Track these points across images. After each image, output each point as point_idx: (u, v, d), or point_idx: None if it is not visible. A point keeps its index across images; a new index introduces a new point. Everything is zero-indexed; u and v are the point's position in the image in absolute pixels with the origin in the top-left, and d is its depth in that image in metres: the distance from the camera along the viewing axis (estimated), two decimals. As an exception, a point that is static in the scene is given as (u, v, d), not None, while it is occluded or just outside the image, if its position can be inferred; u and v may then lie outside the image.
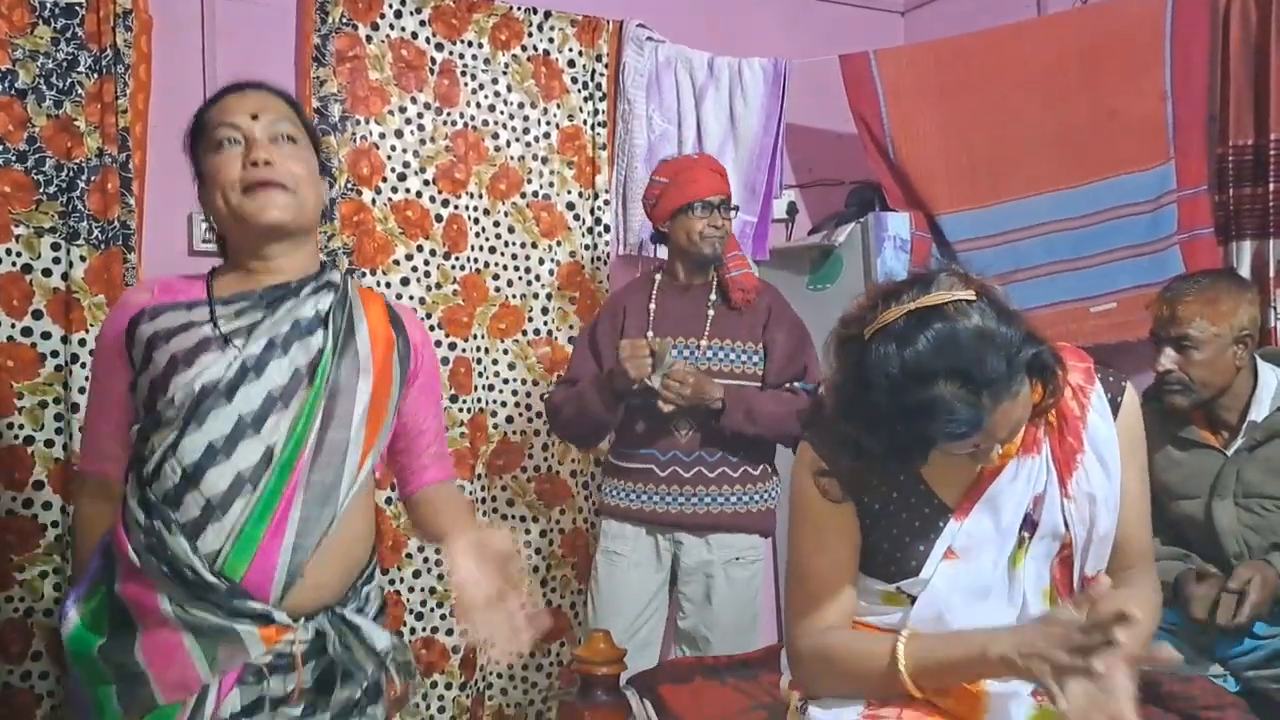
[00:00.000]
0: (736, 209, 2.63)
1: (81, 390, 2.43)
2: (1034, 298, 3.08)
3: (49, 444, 2.44)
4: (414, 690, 2.31)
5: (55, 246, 2.45)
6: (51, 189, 2.44)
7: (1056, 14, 3.17)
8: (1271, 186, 2.75)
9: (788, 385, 2.49)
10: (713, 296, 2.52)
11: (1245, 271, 2.79)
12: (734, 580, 2.49)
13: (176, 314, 1.46)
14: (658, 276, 2.61)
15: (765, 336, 2.51)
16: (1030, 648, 1.21)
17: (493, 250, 3.02)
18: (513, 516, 3.07)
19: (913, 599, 1.42)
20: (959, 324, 1.24)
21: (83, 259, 2.45)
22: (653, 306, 2.54)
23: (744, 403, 2.40)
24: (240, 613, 1.40)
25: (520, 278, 3.06)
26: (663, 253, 2.80)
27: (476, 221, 2.99)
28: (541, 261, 3.08)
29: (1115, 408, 1.43)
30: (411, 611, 2.86)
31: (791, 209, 3.52)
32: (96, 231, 2.46)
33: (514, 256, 3.06)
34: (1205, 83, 2.90)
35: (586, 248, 3.14)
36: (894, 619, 1.43)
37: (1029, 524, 1.39)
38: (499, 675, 3.05)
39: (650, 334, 2.48)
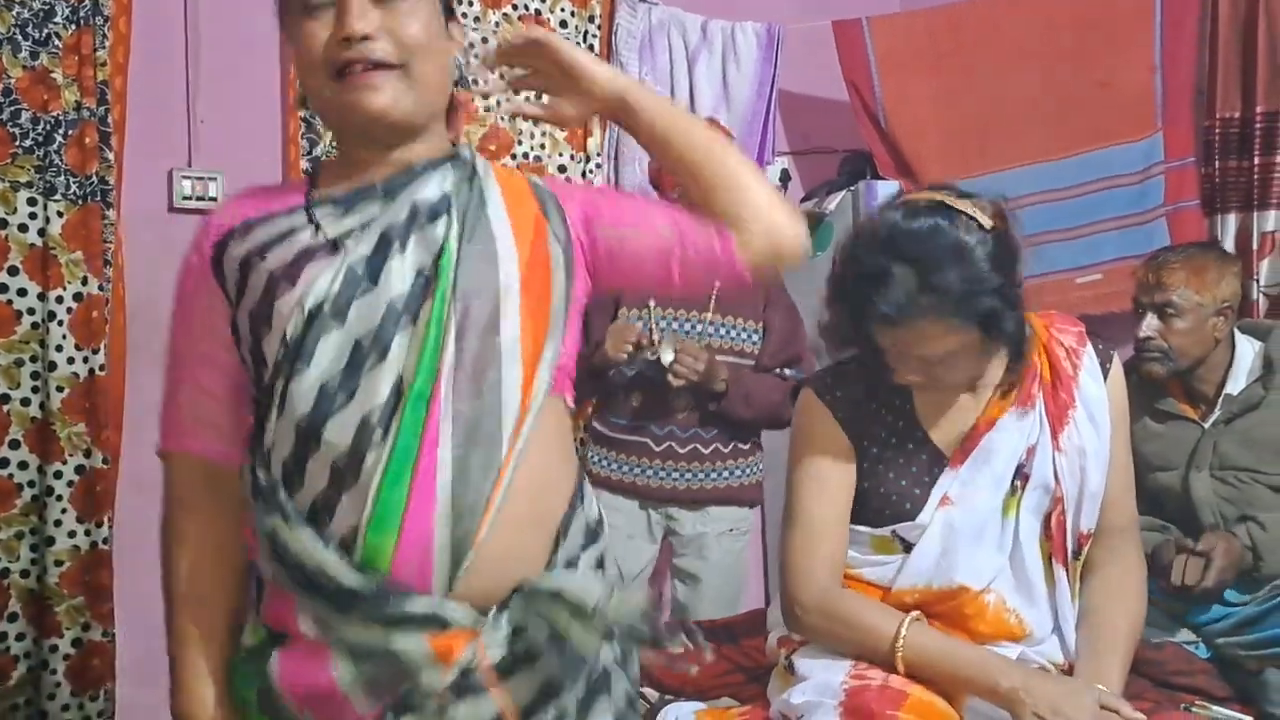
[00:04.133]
0: None
1: (59, 348, 2.41)
2: None
3: (25, 402, 2.42)
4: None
5: (32, 201, 2.41)
6: (28, 142, 2.40)
7: (1049, -17, 3.15)
8: (1257, 160, 2.77)
9: (778, 371, 2.48)
10: None
11: (1230, 244, 2.81)
12: (726, 551, 2.50)
13: (274, 224, 1.11)
14: None
15: (765, 315, 2.49)
16: (1053, 706, 1.29)
17: (480, 213, 2.99)
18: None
19: (905, 545, 1.46)
20: (956, 231, 1.31)
21: (60, 214, 2.41)
22: None
23: (743, 387, 2.39)
24: (398, 620, 1.01)
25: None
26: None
27: (464, 183, 2.96)
28: (527, 225, 3.05)
29: (1105, 373, 1.48)
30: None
31: (784, 176, 3.50)
32: (74, 186, 2.43)
33: (501, 219, 3.03)
34: (1194, 55, 2.91)
35: (574, 211, 3.12)
36: (887, 570, 1.47)
37: (1021, 475, 1.44)
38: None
39: (652, 303, 2.43)
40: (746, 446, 2.50)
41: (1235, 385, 2.09)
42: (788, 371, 2.49)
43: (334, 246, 1.07)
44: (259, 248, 1.10)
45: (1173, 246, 2.39)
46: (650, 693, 1.63)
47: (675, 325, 2.42)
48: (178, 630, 1.13)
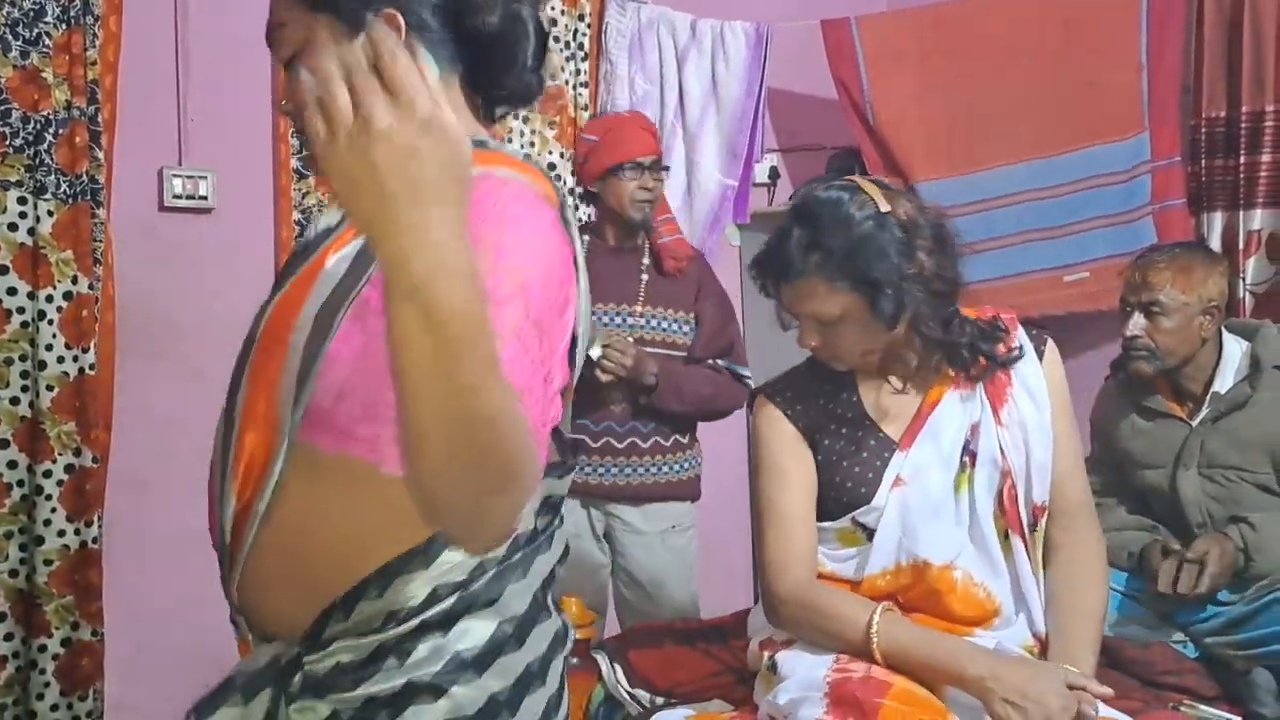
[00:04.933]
0: (667, 169, 2.56)
1: (49, 347, 2.40)
2: (1008, 266, 3.11)
3: (14, 401, 2.40)
4: None
5: (22, 200, 2.40)
6: (18, 141, 2.39)
7: (1037, -17, 3.17)
8: (1242, 159, 2.79)
9: (711, 362, 2.48)
10: (645, 261, 2.47)
11: (1216, 242, 2.83)
12: (672, 548, 2.48)
13: None
14: (585, 238, 2.50)
15: (696, 307, 2.48)
16: (1020, 692, 1.32)
17: (470, 210, 2.99)
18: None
19: (867, 532, 1.51)
20: (850, 206, 1.44)
21: (50, 214, 2.40)
22: None
23: (675, 380, 2.38)
24: (234, 605, 1.02)
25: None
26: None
27: (454, 181, 2.95)
28: (519, 223, 3.05)
29: (1040, 355, 1.55)
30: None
31: (773, 173, 3.52)
32: (65, 186, 2.42)
33: (492, 217, 3.03)
34: (1180, 55, 2.93)
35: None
36: (854, 563, 1.52)
37: (968, 452, 1.50)
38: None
39: None
40: (685, 440, 2.49)
41: (1223, 384, 2.11)
42: (720, 362, 2.49)
43: None
44: None
45: (1159, 246, 2.40)
46: (641, 694, 1.64)
47: (606, 319, 2.41)
48: None
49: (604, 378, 2.29)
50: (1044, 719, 1.31)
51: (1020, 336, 1.55)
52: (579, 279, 0.99)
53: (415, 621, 0.92)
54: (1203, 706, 1.57)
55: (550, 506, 1.02)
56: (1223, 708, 1.59)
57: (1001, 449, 1.49)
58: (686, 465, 2.50)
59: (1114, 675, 1.65)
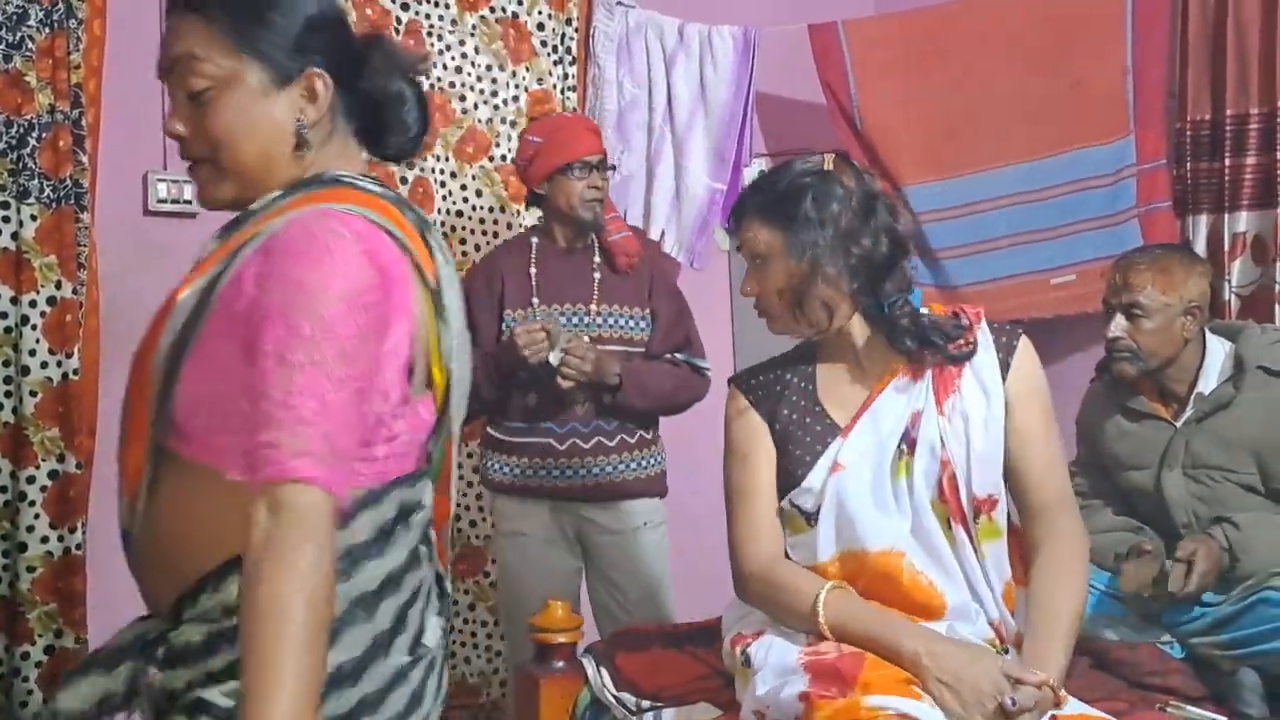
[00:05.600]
0: (614, 168, 2.56)
1: (32, 353, 2.38)
2: (996, 269, 3.12)
3: (-1, 407, 2.40)
4: None
5: (5, 205, 2.38)
6: (1, 146, 2.38)
7: (1022, -13, 3.18)
8: (1227, 162, 2.80)
9: (670, 356, 2.49)
10: (597, 260, 2.47)
11: (1201, 245, 2.84)
12: (645, 545, 2.48)
13: None
14: (534, 240, 2.50)
15: (651, 303, 2.49)
16: (955, 674, 1.35)
17: (459, 214, 3.00)
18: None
19: (806, 516, 1.53)
20: (797, 164, 1.57)
21: (33, 218, 2.39)
22: (534, 271, 2.45)
23: (638, 378, 2.39)
24: None
25: (488, 242, 3.04)
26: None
27: (443, 185, 2.96)
28: (510, 226, 3.06)
29: (1008, 350, 1.55)
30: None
31: (761, 177, 3.52)
32: (48, 190, 2.40)
33: (481, 220, 3.04)
34: (1165, 58, 2.94)
35: (551, 214, 3.12)
36: (804, 553, 1.54)
37: (907, 439, 1.52)
38: (462, 644, 3.05)
39: (536, 301, 2.42)
40: (650, 435, 2.50)
41: (1206, 385, 2.11)
42: (678, 356, 2.50)
43: None
44: None
45: (1141, 248, 2.41)
46: (627, 698, 1.64)
47: (563, 319, 2.41)
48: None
49: (565, 384, 2.30)
50: (975, 701, 1.33)
51: (982, 332, 1.56)
52: (441, 295, 1.13)
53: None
54: (1189, 707, 1.57)
55: (403, 512, 1.11)
56: (1209, 708, 1.59)
57: (942, 439, 1.51)
58: (653, 461, 2.50)
59: (1100, 676, 1.65)
